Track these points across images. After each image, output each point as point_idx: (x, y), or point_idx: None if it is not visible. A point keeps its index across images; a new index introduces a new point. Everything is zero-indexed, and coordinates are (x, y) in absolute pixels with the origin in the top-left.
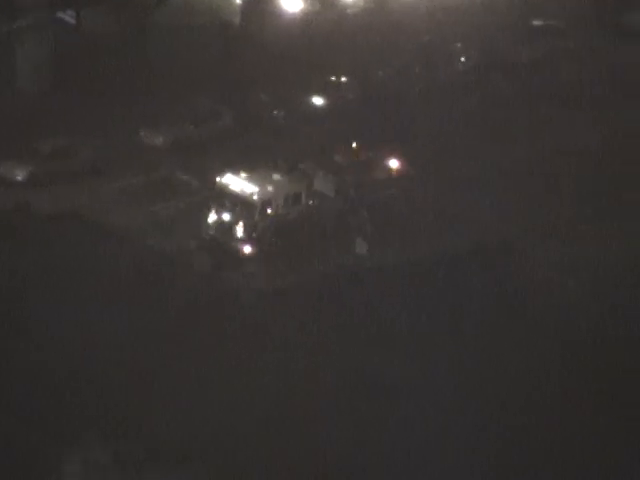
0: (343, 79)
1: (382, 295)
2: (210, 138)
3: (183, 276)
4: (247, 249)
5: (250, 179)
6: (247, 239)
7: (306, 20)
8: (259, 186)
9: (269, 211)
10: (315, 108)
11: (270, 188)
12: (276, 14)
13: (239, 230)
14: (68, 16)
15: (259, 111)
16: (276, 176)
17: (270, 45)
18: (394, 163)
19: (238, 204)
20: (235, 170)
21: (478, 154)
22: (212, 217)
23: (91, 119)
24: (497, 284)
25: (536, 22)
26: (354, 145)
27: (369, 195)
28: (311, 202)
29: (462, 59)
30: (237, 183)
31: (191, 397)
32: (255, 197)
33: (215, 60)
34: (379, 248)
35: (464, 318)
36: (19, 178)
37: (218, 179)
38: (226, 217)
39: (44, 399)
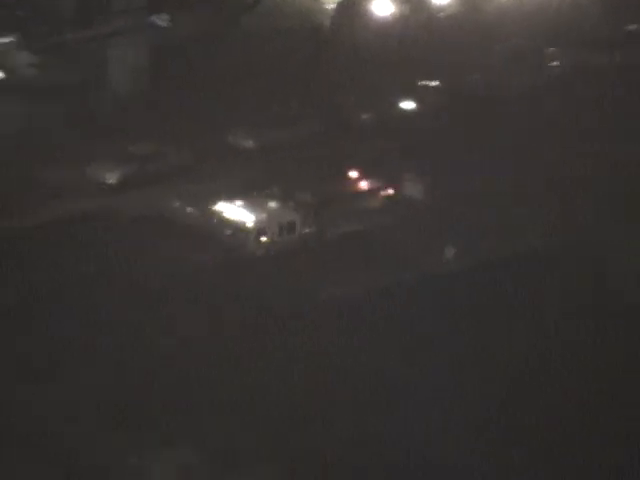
0: (433, 83)
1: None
2: (300, 142)
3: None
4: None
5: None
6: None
7: (397, 23)
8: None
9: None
10: (405, 112)
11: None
12: (367, 17)
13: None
14: (161, 20)
15: (349, 115)
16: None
17: (361, 48)
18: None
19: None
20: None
21: (563, 157)
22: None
23: (182, 122)
24: (564, 289)
25: (630, 27)
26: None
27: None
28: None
29: (554, 63)
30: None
31: (266, 399)
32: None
33: (305, 63)
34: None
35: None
36: (110, 181)
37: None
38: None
39: (132, 401)
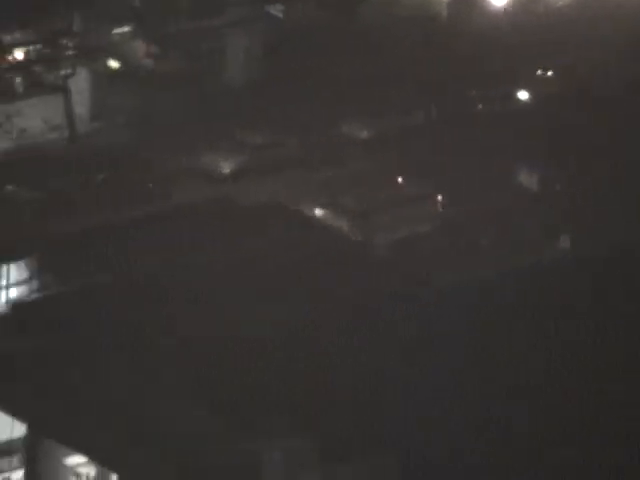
0: (549, 73)
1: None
2: (413, 133)
3: (381, 270)
4: None
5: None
6: None
7: (513, 13)
8: None
9: None
10: (521, 103)
11: None
12: (484, 7)
13: None
14: (276, 10)
15: (465, 106)
16: None
17: (477, 38)
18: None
19: None
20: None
21: None
22: None
23: (297, 112)
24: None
25: None
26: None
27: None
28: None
29: None
30: None
31: (377, 388)
32: None
33: (421, 53)
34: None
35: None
36: (224, 171)
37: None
38: None
39: (243, 391)
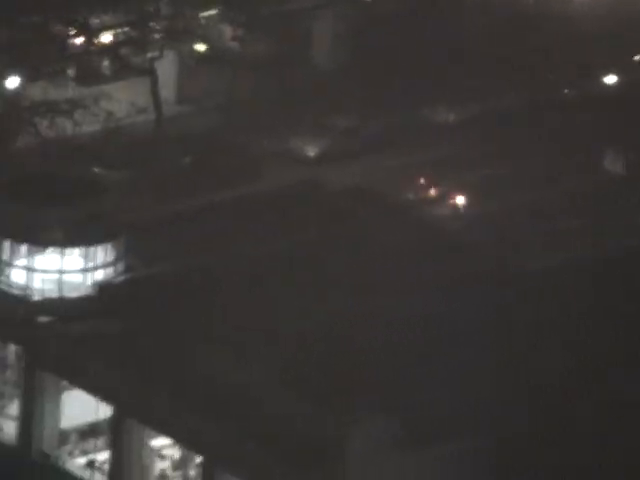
0: (637, 57)
1: None
2: (498, 117)
3: (470, 255)
4: None
5: None
6: None
7: None
8: None
9: None
10: (608, 87)
11: None
12: None
13: None
14: None
15: (549, 91)
16: None
17: (563, 23)
18: None
19: None
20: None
21: None
22: None
23: (383, 95)
24: None
25: None
26: None
27: None
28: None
29: None
30: None
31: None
32: None
33: (506, 39)
34: None
35: None
36: (310, 154)
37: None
38: None
39: (333, 373)
